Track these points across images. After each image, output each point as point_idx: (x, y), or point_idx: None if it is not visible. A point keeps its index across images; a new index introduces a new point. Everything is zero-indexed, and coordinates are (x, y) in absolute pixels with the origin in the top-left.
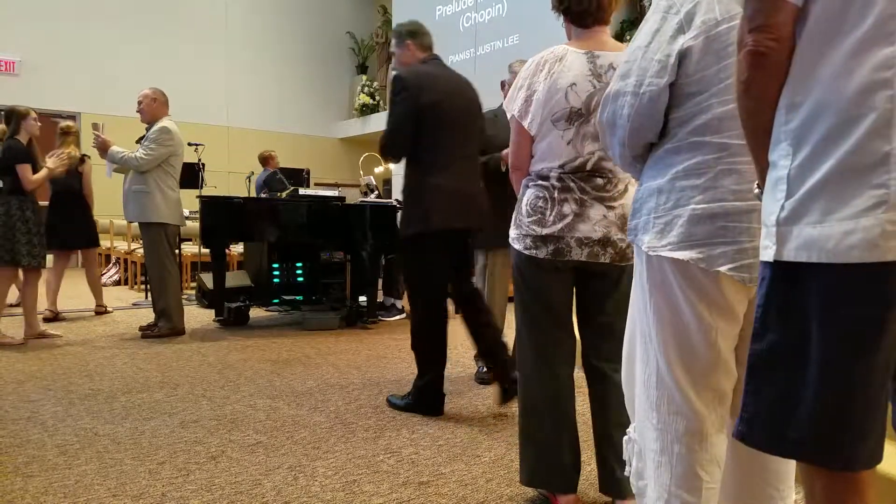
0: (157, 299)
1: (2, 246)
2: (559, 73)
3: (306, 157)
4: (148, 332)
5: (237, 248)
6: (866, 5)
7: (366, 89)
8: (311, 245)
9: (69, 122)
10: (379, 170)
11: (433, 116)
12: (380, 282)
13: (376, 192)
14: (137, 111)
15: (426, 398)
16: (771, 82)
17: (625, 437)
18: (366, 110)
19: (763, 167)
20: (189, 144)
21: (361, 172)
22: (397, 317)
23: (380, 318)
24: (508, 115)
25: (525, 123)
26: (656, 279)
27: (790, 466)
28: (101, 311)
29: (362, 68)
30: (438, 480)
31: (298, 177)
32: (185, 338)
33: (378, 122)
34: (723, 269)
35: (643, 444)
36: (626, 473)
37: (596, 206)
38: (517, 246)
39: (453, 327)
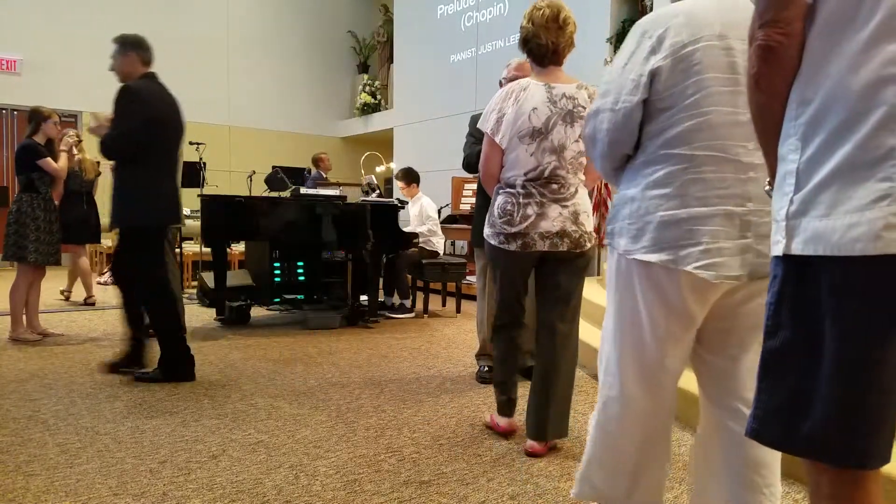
0: None
1: (13, 242)
2: (524, 99)
3: (307, 156)
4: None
5: (238, 248)
6: (876, 1)
7: (367, 88)
8: (312, 244)
9: (73, 134)
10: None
11: (160, 127)
12: (381, 281)
13: (378, 192)
14: None
15: (177, 366)
16: (780, 76)
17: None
18: (367, 109)
19: (773, 163)
20: (190, 144)
21: (363, 171)
22: (405, 315)
23: (387, 316)
24: (484, 131)
25: (497, 139)
26: (622, 280)
27: (774, 456)
28: (91, 301)
29: (364, 67)
30: (439, 479)
31: (299, 176)
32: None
33: (380, 122)
34: (689, 267)
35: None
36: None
37: (553, 206)
38: (493, 241)
39: (449, 326)
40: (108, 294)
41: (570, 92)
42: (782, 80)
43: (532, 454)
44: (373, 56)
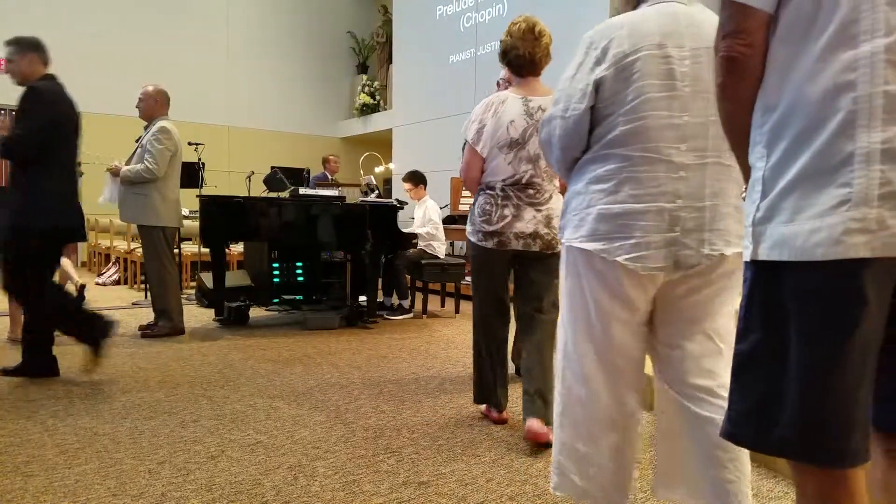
0: (156, 299)
1: None
2: (503, 112)
3: (306, 156)
4: (147, 332)
5: (237, 248)
6: (831, 11)
7: (366, 89)
8: (311, 245)
9: None
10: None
11: (63, 128)
12: (379, 282)
13: (377, 192)
14: (137, 106)
15: (43, 362)
16: (744, 85)
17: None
18: (366, 110)
19: (745, 169)
20: (189, 144)
21: (362, 172)
22: (403, 316)
23: (385, 317)
24: (470, 140)
25: (478, 148)
26: (570, 267)
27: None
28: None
29: (363, 68)
30: (438, 480)
31: (299, 176)
32: (184, 337)
33: (379, 122)
34: (620, 258)
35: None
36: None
37: (528, 210)
38: (473, 238)
39: (448, 326)
40: (105, 294)
41: (546, 104)
42: (747, 89)
43: (533, 439)
44: (372, 57)
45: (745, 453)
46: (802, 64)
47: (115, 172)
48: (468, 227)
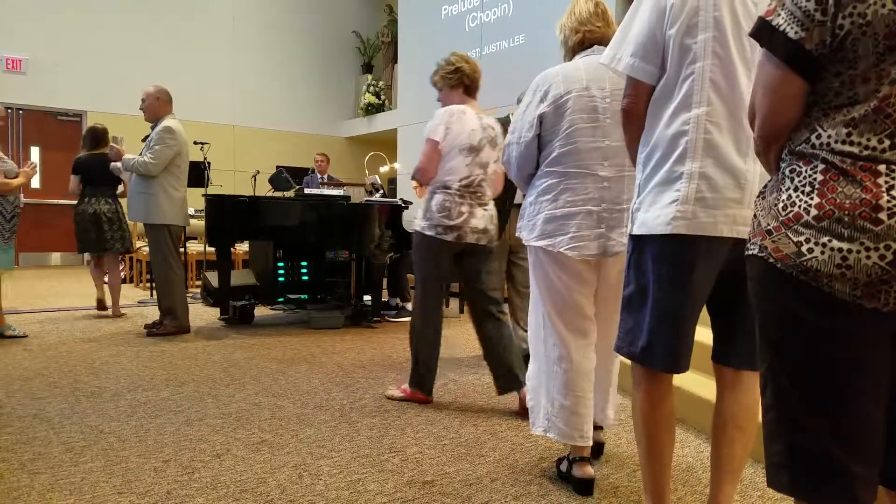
0: (162, 298)
1: None
2: (465, 121)
3: (311, 156)
4: (153, 331)
5: (242, 247)
6: (679, 88)
7: (371, 88)
8: (316, 244)
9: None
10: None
11: None
12: (384, 282)
13: (381, 192)
14: (141, 108)
15: None
16: (632, 128)
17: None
18: (371, 109)
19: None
20: (194, 143)
21: (367, 171)
22: (404, 318)
23: (387, 319)
24: (436, 140)
25: (442, 147)
26: (534, 260)
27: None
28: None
29: (368, 67)
30: (443, 480)
31: (303, 176)
32: (190, 336)
33: (384, 122)
34: (562, 249)
35: (535, 370)
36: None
37: (478, 209)
38: (429, 232)
39: (452, 327)
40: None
41: (492, 122)
42: (635, 130)
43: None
44: (377, 56)
45: (613, 393)
46: (663, 117)
47: (116, 156)
48: (422, 223)
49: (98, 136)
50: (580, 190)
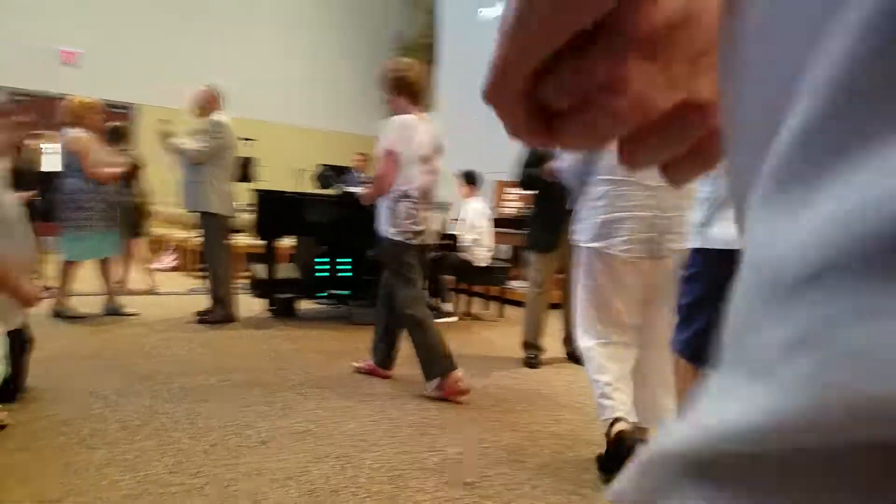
0: (213, 287)
1: None
2: (421, 132)
3: (350, 154)
4: (204, 318)
5: (288, 242)
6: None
7: None
8: (357, 242)
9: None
10: None
11: None
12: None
13: None
14: (190, 108)
15: None
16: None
17: None
18: None
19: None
20: (241, 139)
21: None
22: (443, 319)
23: None
24: (396, 150)
25: (400, 158)
26: (582, 259)
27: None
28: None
29: None
30: (483, 482)
31: (344, 174)
32: (237, 325)
33: None
34: (614, 250)
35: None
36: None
37: (431, 213)
38: (399, 238)
39: (491, 329)
40: (163, 280)
41: (435, 129)
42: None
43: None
44: (418, 58)
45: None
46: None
47: (167, 134)
48: (390, 230)
49: (119, 134)
50: (631, 197)
